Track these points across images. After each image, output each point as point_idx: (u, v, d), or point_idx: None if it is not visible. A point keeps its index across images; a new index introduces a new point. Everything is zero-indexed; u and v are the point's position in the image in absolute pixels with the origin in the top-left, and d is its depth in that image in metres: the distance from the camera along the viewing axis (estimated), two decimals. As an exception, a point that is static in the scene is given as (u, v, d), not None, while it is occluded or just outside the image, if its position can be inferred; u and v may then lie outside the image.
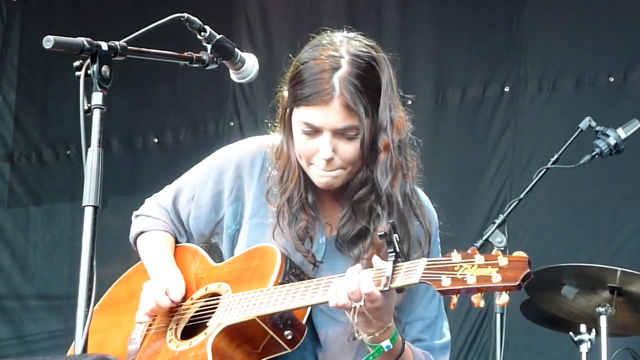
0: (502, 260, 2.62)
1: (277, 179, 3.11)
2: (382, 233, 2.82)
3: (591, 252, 6.13)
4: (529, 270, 2.60)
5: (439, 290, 2.66)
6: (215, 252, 3.28)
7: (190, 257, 3.27)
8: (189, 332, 3.10)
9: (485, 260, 2.63)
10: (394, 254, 2.78)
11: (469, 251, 2.68)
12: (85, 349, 2.51)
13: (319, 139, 2.97)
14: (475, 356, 6.39)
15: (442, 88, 6.77)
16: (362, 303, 2.78)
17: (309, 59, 3.00)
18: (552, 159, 4.81)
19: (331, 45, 3.00)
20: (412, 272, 2.73)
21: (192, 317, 3.12)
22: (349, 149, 2.98)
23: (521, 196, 4.72)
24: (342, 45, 3.00)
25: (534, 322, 5.37)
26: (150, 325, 3.19)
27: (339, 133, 2.96)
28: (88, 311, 2.52)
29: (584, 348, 4.89)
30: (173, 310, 3.15)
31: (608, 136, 4.84)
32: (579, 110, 6.17)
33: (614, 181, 6.23)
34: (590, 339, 4.88)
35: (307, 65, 2.99)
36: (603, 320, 4.90)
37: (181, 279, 3.18)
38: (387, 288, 2.75)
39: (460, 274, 2.63)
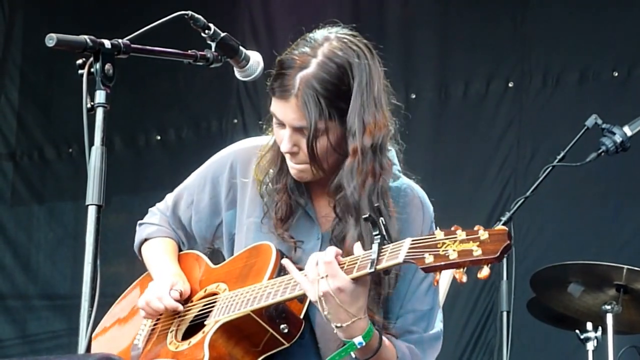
0: (483, 234, 2.65)
1: (267, 161, 3.15)
2: (367, 216, 2.83)
3: (596, 249, 6.11)
4: (508, 242, 2.63)
5: (422, 268, 2.69)
6: (218, 257, 3.28)
7: (193, 262, 3.30)
8: (190, 333, 3.11)
9: (467, 235, 2.66)
10: (379, 236, 2.79)
11: (452, 228, 2.71)
12: (89, 349, 2.50)
13: (283, 131, 3.02)
14: (481, 353, 6.37)
15: (445, 83, 6.75)
16: (324, 274, 2.79)
17: (288, 53, 3.03)
18: (558, 157, 4.78)
19: (313, 42, 3.02)
20: (397, 252, 2.75)
21: (193, 318, 3.14)
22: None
23: (527, 194, 4.70)
24: (323, 45, 3.00)
25: (540, 320, 5.36)
26: (152, 330, 3.21)
27: (298, 130, 2.98)
28: (92, 310, 2.51)
29: (590, 346, 4.88)
30: (174, 314, 3.17)
31: (614, 134, 4.81)
32: (583, 105, 6.16)
33: (619, 178, 6.21)
34: (596, 337, 4.88)
35: (284, 57, 3.03)
36: (609, 318, 4.89)
37: (185, 282, 3.20)
38: (373, 270, 2.76)
39: (442, 251, 2.66)
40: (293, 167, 3.06)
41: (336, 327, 2.86)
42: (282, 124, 3.01)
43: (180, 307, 3.12)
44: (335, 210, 3.05)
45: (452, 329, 6.29)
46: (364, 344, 2.87)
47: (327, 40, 3.01)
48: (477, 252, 2.62)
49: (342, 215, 3.02)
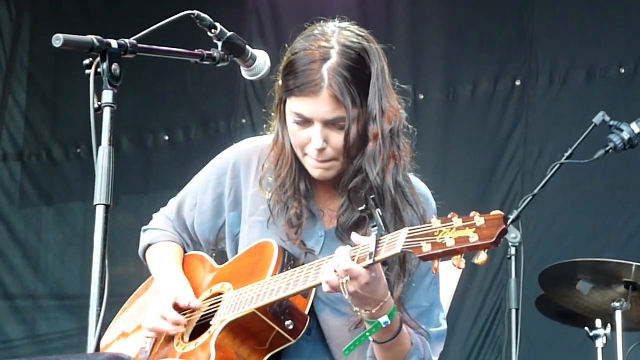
0: (479, 220, 2.64)
1: (272, 166, 3.13)
2: (363, 208, 2.83)
3: (604, 246, 6.10)
4: (504, 226, 2.62)
5: (420, 257, 2.68)
6: (223, 259, 3.29)
7: (197, 264, 3.31)
8: (197, 334, 3.11)
9: (463, 222, 2.65)
10: (376, 228, 2.78)
11: (449, 215, 2.70)
12: (97, 349, 2.50)
13: (310, 129, 2.99)
14: (489, 350, 6.37)
15: (453, 83, 6.75)
16: (347, 279, 2.77)
17: (300, 50, 3.02)
18: (566, 154, 4.79)
19: (323, 35, 3.02)
20: (394, 243, 2.74)
21: (200, 319, 3.14)
22: (341, 140, 2.98)
23: (535, 192, 4.71)
24: (334, 36, 3.01)
25: (549, 318, 5.36)
26: None
27: (330, 124, 2.97)
28: (101, 310, 2.52)
29: (599, 343, 4.88)
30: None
31: (622, 131, 4.82)
32: (590, 102, 6.16)
33: (627, 175, 6.20)
34: (605, 334, 4.87)
35: (297, 56, 3.01)
36: (618, 315, 4.89)
37: (188, 288, 3.20)
38: (372, 262, 2.76)
39: (439, 239, 2.65)
40: (319, 167, 3.03)
41: (365, 312, 2.85)
42: (307, 123, 2.98)
43: (183, 320, 3.10)
44: (349, 196, 3.03)
45: (462, 326, 6.29)
46: (389, 323, 2.86)
47: (336, 32, 3.03)
48: (474, 238, 2.62)
49: (356, 200, 3.01)
